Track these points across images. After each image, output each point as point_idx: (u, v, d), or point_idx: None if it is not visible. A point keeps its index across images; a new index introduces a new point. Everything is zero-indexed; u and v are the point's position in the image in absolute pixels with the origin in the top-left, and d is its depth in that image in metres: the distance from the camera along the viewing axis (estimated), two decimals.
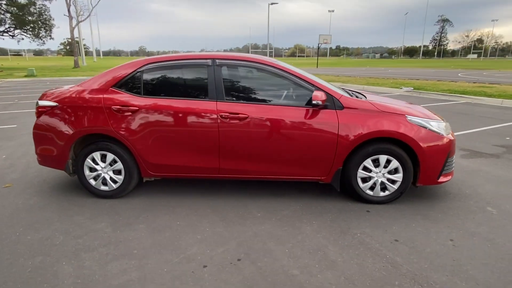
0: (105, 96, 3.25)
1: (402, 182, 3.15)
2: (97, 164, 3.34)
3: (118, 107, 3.19)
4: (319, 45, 35.70)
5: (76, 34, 32.98)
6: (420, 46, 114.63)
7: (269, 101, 3.23)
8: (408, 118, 3.09)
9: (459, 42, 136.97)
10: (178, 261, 2.37)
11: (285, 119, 3.09)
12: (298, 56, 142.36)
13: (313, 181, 3.28)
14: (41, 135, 3.38)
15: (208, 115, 3.13)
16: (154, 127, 3.17)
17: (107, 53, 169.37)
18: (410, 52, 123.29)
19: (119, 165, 3.31)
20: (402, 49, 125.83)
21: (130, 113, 3.18)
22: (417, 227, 2.80)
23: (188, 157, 3.23)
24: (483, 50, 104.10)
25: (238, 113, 3.10)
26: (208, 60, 3.27)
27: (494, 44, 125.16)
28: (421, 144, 3.03)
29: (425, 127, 3.08)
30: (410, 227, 2.80)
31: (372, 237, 2.66)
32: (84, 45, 48.45)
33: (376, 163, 3.14)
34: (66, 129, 3.27)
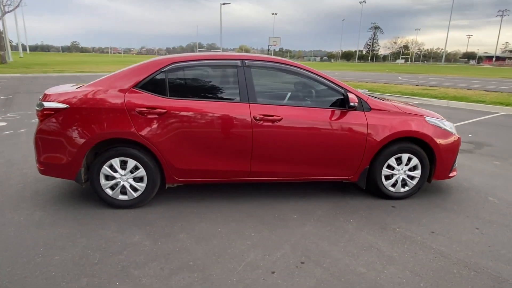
0: (127, 97, 2.98)
1: (420, 178, 3.41)
2: (115, 171, 3.05)
3: (143, 109, 2.96)
4: (269, 47, 36.50)
5: (0, 27, 29.17)
6: (355, 51, 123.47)
7: (300, 102, 3.26)
8: (427, 119, 3.36)
9: (389, 47, 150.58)
10: (242, 269, 2.29)
11: (317, 120, 3.14)
12: None
13: (340, 180, 3.39)
14: (47, 141, 2.99)
15: (241, 117, 3.05)
16: (183, 130, 3.00)
17: (34, 48, 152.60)
18: (347, 56, 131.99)
19: (141, 172, 3.06)
20: (340, 53, 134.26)
21: (156, 116, 2.96)
22: (443, 219, 3.06)
23: (217, 161, 3.11)
24: (409, 56, 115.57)
25: (272, 115, 3.07)
26: (237, 61, 3.19)
27: (417, 50, 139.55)
28: (438, 142, 3.32)
29: (440, 127, 3.38)
30: (437, 219, 3.05)
31: (410, 230, 2.84)
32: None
33: (398, 161, 3.35)
34: (80, 134, 2.93)
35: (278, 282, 2.16)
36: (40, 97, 3.14)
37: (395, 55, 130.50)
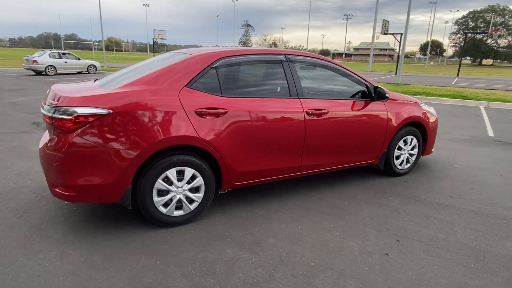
0: (182, 97, 2.57)
1: (417, 155, 4.08)
2: (171, 184, 2.61)
3: (203, 110, 2.61)
4: (155, 40, 34.48)
5: None
6: None
7: (337, 95, 3.43)
8: (421, 105, 4.02)
9: (260, 44, 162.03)
10: (360, 258, 2.37)
11: (352, 111, 3.39)
12: (116, 50, 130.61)
13: (365, 165, 3.75)
14: (84, 157, 2.32)
15: (296, 113, 3.03)
16: (243, 130, 2.79)
17: None
18: None
19: (199, 181, 2.70)
20: None
21: (214, 117, 2.66)
22: (447, 186, 3.77)
23: (272, 159, 3.01)
24: None
25: (320, 109, 3.16)
26: (281, 56, 3.13)
27: (284, 47, 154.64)
28: (429, 124, 4.04)
29: (429, 112, 4.10)
30: (444, 187, 3.74)
31: (438, 198, 3.41)
32: None
33: (405, 142, 3.92)
34: (131, 144, 2.39)
35: (399, 261, 2.34)
36: (53, 101, 2.40)
37: None
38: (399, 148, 3.90)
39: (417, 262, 2.33)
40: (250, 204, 3.15)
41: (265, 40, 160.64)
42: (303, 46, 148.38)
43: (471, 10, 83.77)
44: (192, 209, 2.74)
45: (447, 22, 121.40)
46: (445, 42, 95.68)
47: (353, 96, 3.52)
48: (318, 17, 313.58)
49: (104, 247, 2.40)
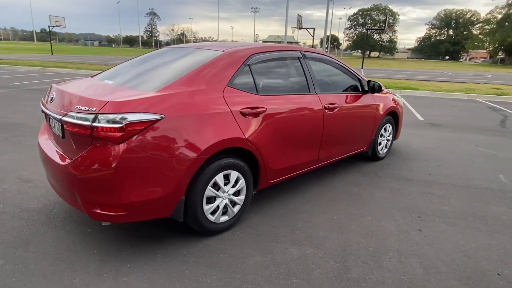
0: (226, 97, 2.42)
1: (391, 140, 4.61)
2: (218, 189, 2.46)
3: (247, 109, 2.51)
4: (51, 27, 29.96)
5: None
6: (138, 36, 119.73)
7: (341, 90, 3.62)
8: (394, 96, 4.53)
9: (167, 34, 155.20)
10: (404, 237, 2.64)
11: (355, 104, 3.65)
12: None
13: (359, 153, 4.08)
14: (138, 170, 2.03)
15: (318, 108, 3.13)
16: (278, 128, 2.78)
17: None
18: (130, 41, 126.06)
19: (241, 183, 2.61)
20: (121, 38, 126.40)
21: (254, 116, 2.59)
22: (421, 164, 4.37)
23: (299, 154, 3.08)
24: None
25: (334, 103, 3.32)
26: (298, 52, 3.17)
27: (194, 38, 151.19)
28: (400, 112, 4.59)
29: (398, 101, 4.64)
30: (418, 166, 4.32)
31: (421, 176, 3.95)
32: None
33: (384, 130, 4.39)
34: (186, 151, 2.17)
35: (433, 234, 2.69)
36: (86, 106, 2.01)
37: (176, 42, 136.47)
38: (381, 135, 4.35)
39: (446, 233, 2.72)
40: (277, 201, 3.16)
41: (172, 30, 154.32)
42: (213, 38, 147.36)
43: (360, 8, 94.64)
44: (236, 212, 2.64)
45: (341, 18, 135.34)
46: (341, 36, 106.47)
47: (351, 90, 3.79)
48: (226, 9, 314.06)
49: (161, 267, 2.16)
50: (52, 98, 2.33)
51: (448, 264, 2.31)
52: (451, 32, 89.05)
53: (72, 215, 2.78)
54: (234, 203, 2.62)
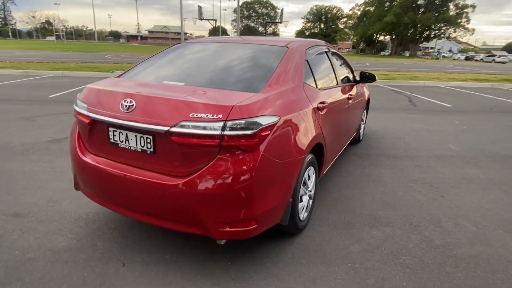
0: (307, 94, 2.39)
1: (365, 122, 5.19)
2: (305, 186, 2.44)
3: (320, 104, 2.54)
4: None
5: None
6: None
7: (346, 81, 3.89)
8: (366, 85, 5.08)
9: (27, 22, 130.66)
10: (435, 203, 3.11)
11: (356, 93, 3.98)
12: None
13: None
14: (267, 178, 1.87)
15: (346, 99, 3.33)
16: (332, 120, 2.89)
17: None
18: None
19: (314, 177, 2.63)
20: None
21: (322, 110, 2.63)
22: (399, 144, 5.06)
23: (338, 143, 3.26)
24: (62, 33, 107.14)
25: (351, 94, 3.58)
26: (324, 47, 3.28)
27: (63, 27, 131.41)
28: (369, 99, 5.20)
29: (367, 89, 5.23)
30: (395, 142, 5.00)
31: (403, 153, 4.60)
32: None
33: (365, 116, 4.91)
34: (295, 151, 2.10)
35: (455, 197, 3.25)
36: (219, 114, 1.74)
37: (41, 31, 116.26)
38: (362, 121, 4.88)
39: (464, 196, 3.31)
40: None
41: (33, 17, 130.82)
42: (88, 27, 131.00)
43: (244, 0, 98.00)
44: (310, 207, 2.66)
45: (225, 10, 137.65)
46: (228, 28, 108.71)
47: (349, 80, 4.12)
48: None
49: (283, 275, 2.07)
50: (130, 106, 1.89)
51: (484, 218, 2.87)
52: (322, 25, 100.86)
53: (128, 244, 2.34)
54: (309, 198, 2.64)
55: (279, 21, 25.74)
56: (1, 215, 2.64)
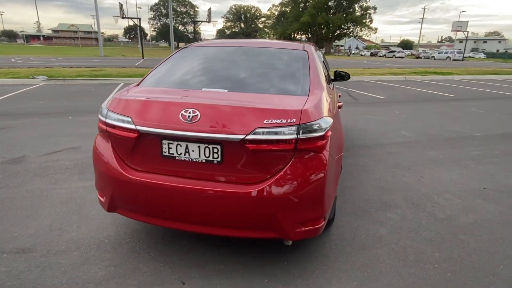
0: (328, 94, 2.56)
1: None
2: None
3: (340, 103, 2.71)
4: None
5: None
6: None
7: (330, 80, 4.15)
8: None
9: None
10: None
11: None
12: None
13: None
14: (331, 175, 1.99)
15: (339, 96, 3.58)
16: (339, 118, 3.09)
17: None
18: None
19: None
20: None
21: (340, 108, 2.83)
22: (359, 134, 5.55)
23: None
24: None
25: (340, 94, 3.85)
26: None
27: None
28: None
29: None
30: (359, 134, 5.48)
31: (375, 142, 5.09)
32: None
33: None
34: (340, 150, 2.27)
35: (431, 176, 3.77)
36: (293, 119, 1.79)
37: None
38: None
39: (438, 175, 3.85)
40: None
41: None
42: None
43: None
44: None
45: (140, 7, 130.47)
46: (146, 26, 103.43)
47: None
48: None
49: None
50: (194, 117, 1.80)
51: (462, 191, 3.42)
52: (243, 25, 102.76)
53: (173, 261, 2.21)
54: None
55: (207, 20, 25.58)
56: (1, 254, 2.24)
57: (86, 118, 6.16)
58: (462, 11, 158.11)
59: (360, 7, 61.14)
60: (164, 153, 1.91)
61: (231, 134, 1.77)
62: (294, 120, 1.80)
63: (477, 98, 10.10)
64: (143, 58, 26.08)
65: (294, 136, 1.78)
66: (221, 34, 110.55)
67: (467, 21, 38.37)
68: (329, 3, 60.79)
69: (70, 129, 5.38)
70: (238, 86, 2.21)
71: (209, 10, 24.74)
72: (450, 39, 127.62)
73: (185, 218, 1.94)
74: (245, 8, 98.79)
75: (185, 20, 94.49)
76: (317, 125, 1.85)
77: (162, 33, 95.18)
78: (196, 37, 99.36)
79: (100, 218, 2.73)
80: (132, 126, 1.90)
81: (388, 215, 2.90)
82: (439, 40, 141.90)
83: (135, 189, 1.95)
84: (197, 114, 1.81)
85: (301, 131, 1.79)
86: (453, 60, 42.96)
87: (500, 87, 13.08)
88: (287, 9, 70.40)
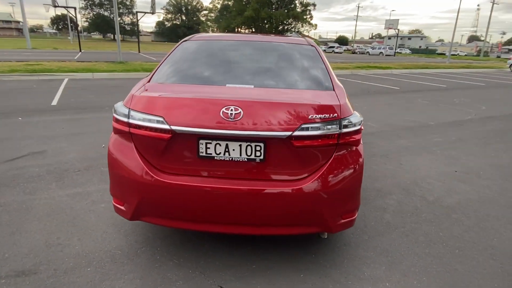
0: None
1: None
2: None
3: None
4: None
5: None
6: None
7: None
8: None
9: None
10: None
11: None
12: None
13: None
14: (363, 168, 2.04)
15: None
16: None
17: None
18: None
19: None
20: None
21: None
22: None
23: None
24: None
25: None
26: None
27: None
28: None
29: None
30: None
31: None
32: None
33: None
34: (361, 142, 2.33)
35: (410, 163, 4.09)
36: (334, 113, 1.82)
37: None
38: None
39: (413, 161, 4.19)
40: None
41: None
42: None
43: None
44: None
45: None
46: (78, 16, 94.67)
47: None
48: None
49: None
50: (237, 114, 1.71)
51: (439, 174, 3.76)
52: (184, 17, 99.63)
53: (202, 266, 2.11)
54: None
55: (151, 12, 24.28)
56: None
57: (39, 118, 5.50)
58: (392, 10, 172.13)
59: (301, 3, 63.19)
60: (201, 154, 1.80)
61: (277, 131, 1.73)
62: (336, 115, 1.82)
63: (419, 90, 11.14)
64: (80, 51, 23.93)
65: (337, 131, 1.81)
66: (160, 26, 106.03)
67: (398, 19, 41.84)
68: None
69: (25, 131, 4.76)
70: (262, 82, 2.16)
71: (153, 1, 23.55)
72: (379, 36, 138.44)
73: (225, 220, 1.85)
74: (186, 0, 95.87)
75: (121, 10, 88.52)
76: (354, 119, 1.90)
77: (96, 24, 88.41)
78: (134, 29, 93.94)
79: (101, 228, 2.49)
80: (166, 126, 1.75)
81: (387, 201, 3.09)
82: (370, 36, 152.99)
83: (169, 194, 1.81)
84: (240, 112, 1.73)
85: (343, 126, 1.82)
86: (386, 55, 46.71)
87: (434, 80, 14.58)
88: (229, 3, 69.98)
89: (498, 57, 62.79)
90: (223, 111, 1.74)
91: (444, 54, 68.25)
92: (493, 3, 41.85)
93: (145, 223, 2.55)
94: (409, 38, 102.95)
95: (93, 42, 51.73)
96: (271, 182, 1.82)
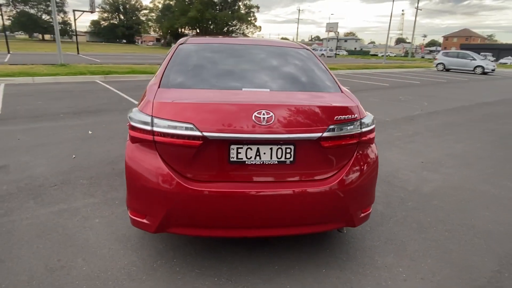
0: None
1: None
2: None
3: None
4: None
5: None
6: None
7: None
8: None
9: None
10: None
11: None
12: None
13: None
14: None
15: None
16: None
17: None
18: None
19: None
20: None
21: None
22: None
23: None
24: None
25: None
26: None
27: None
28: None
29: None
30: None
31: None
32: None
33: None
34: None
35: (409, 147, 4.41)
36: (355, 114, 1.92)
37: None
38: None
39: (402, 147, 4.53)
40: None
41: None
42: None
43: None
44: None
45: None
46: None
47: None
48: None
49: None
50: (269, 118, 1.72)
51: (410, 166, 4.13)
52: (122, 17, 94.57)
53: (226, 273, 2.08)
54: None
55: (90, 10, 22.56)
56: None
57: None
58: (332, 14, 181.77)
59: (244, 5, 63.89)
60: (232, 159, 1.79)
61: (308, 133, 1.79)
62: (356, 115, 1.93)
63: (367, 89, 12.00)
64: (9, 52, 21.44)
65: (358, 131, 1.92)
66: (96, 26, 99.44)
67: (337, 23, 44.36)
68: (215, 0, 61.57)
69: None
70: (276, 85, 2.20)
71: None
72: (318, 38, 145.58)
73: (258, 224, 1.86)
74: None
75: (49, 8, 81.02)
76: (369, 119, 2.03)
77: (21, 23, 79.97)
78: (66, 29, 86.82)
79: (104, 245, 2.32)
80: (197, 133, 1.70)
81: (376, 194, 3.32)
82: (310, 38, 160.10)
83: (200, 202, 1.76)
84: (272, 116, 1.76)
85: (362, 126, 1.95)
86: (328, 56, 49.29)
87: (376, 79, 15.79)
88: (171, 3, 68.12)
89: (422, 57, 70.04)
90: (255, 115, 1.75)
91: (376, 55, 74.27)
92: (417, 9, 46.51)
93: (150, 235, 2.44)
94: (345, 41, 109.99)
95: (20, 43, 46.79)
96: (302, 182, 1.88)
